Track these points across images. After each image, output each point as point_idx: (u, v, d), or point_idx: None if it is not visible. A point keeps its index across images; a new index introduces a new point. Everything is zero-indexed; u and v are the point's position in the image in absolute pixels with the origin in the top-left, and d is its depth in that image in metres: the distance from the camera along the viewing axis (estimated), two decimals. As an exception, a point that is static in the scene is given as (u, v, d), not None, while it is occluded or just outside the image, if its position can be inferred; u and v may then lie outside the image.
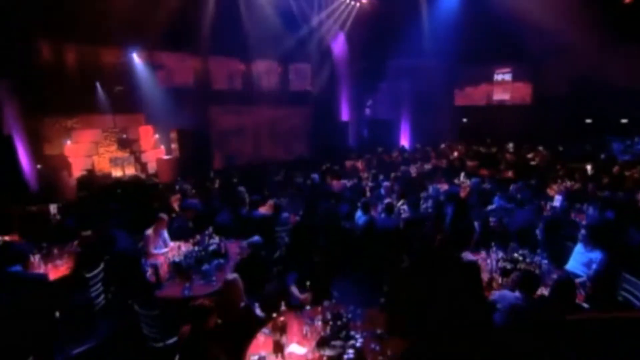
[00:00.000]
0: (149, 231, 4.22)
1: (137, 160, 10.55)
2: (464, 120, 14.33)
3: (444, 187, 7.10)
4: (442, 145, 12.54)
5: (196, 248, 3.93)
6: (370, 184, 7.33)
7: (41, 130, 8.99)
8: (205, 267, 3.60)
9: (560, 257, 3.87)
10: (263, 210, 5.30)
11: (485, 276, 3.32)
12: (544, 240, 3.96)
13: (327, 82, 13.65)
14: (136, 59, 10.00)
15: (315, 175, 7.54)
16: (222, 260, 3.82)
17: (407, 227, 4.61)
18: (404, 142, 14.54)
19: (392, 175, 7.55)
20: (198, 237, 4.16)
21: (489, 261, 3.54)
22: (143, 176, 10.32)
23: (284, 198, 5.82)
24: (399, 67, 13.30)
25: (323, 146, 12.82)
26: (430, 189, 6.19)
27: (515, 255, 3.48)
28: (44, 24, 7.96)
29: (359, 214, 5.30)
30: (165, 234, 4.49)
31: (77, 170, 9.54)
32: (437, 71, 12.84)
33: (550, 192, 6.86)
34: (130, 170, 10.40)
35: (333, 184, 7.41)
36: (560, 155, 10.36)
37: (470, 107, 14.05)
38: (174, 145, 10.64)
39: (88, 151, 9.87)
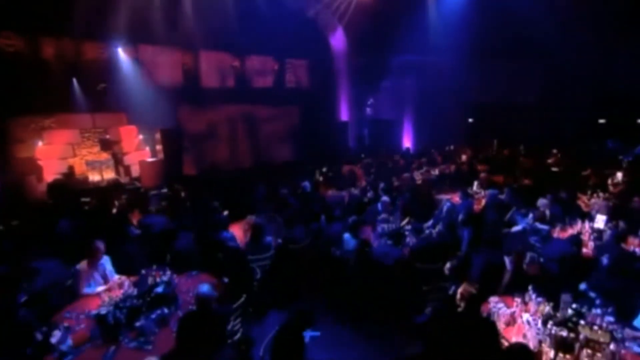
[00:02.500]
0: (82, 264, 3.24)
1: (120, 162, 9.68)
2: (470, 120, 13.34)
3: (455, 198, 6.18)
4: (448, 148, 11.59)
5: (135, 291, 2.92)
6: (368, 194, 6.27)
7: (11, 130, 8.18)
8: (141, 322, 2.61)
9: (621, 304, 2.87)
10: (238, 231, 4.30)
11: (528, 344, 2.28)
12: (602, 281, 2.91)
13: (325, 79, 12.78)
14: (121, 53, 9.21)
15: (306, 184, 6.46)
16: (166, 310, 2.77)
17: (414, 258, 3.62)
18: (407, 143, 13.62)
19: (395, 183, 6.59)
20: (143, 272, 3.12)
21: (530, 318, 2.49)
22: (127, 180, 9.49)
23: (265, 214, 4.75)
24: (403, 63, 12.47)
25: (320, 148, 11.94)
26: (445, 208, 5.04)
27: (570, 311, 2.44)
28: (15, 15, 7.29)
29: (347, 236, 4.27)
30: (107, 265, 3.49)
31: (50, 175, 8.71)
32: (443, 68, 11.97)
33: (580, 204, 5.90)
34: (110, 174, 9.55)
35: (327, 195, 6.38)
36: (582, 160, 9.34)
37: (476, 107, 13.04)
38: (159, 147, 9.78)
39: (63, 153, 9.07)
